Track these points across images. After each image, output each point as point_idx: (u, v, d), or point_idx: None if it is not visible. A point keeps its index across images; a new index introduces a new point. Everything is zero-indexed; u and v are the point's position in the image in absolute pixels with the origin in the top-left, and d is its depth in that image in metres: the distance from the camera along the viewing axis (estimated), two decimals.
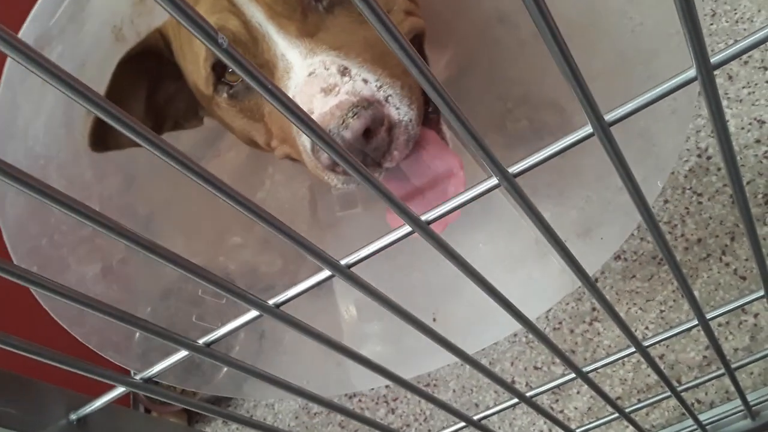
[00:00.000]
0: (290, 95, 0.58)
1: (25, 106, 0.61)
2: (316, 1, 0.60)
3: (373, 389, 1.22)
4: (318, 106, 0.55)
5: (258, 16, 0.59)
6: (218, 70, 0.64)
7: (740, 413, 0.80)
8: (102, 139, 0.67)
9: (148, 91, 0.71)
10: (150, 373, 0.39)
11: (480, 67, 0.86)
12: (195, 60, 0.65)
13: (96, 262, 0.74)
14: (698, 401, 0.93)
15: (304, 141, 0.59)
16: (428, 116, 0.65)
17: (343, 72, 0.56)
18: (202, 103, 0.72)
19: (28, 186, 0.22)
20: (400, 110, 0.57)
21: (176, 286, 0.90)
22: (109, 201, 0.75)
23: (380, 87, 0.56)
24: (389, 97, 0.57)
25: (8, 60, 0.56)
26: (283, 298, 0.37)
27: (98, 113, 0.23)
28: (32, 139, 0.63)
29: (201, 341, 0.38)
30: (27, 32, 0.57)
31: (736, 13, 1.11)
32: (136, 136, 0.24)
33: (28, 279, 0.28)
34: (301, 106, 0.57)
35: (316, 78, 0.56)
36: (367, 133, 0.55)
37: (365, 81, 0.56)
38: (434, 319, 0.91)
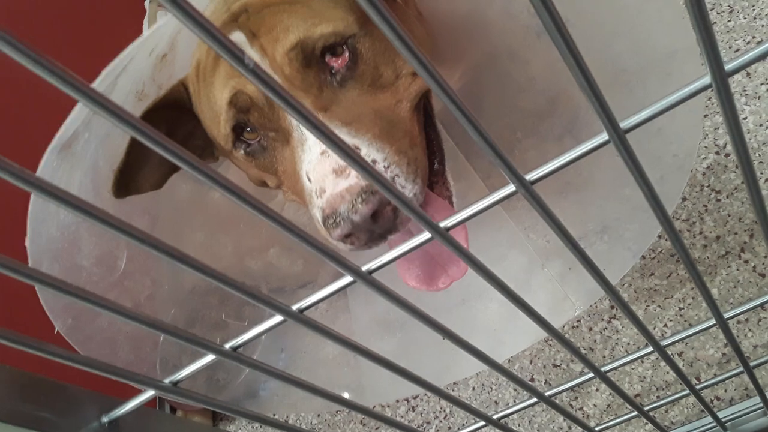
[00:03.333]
0: (304, 170, 0.61)
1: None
2: (330, 76, 0.63)
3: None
4: (329, 186, 0.58)
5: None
6: (237, 130, 0.67)
7: (759, 410, 0.80)
8: (124, 186, 0.71)
9: (167, 133, 0.73)
10: (178, 377, 0.40)
11: (491, 96, 0.87)
12: (215, 118, 0.67)
13: (126, 303, 0.79)
14: (717, 398, 0.93)
15: (316, 214, 0.61)
16: (433, 170, 0.69)
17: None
18: (219, 150, 0.74)
19: (74, 207, 0.24)
20: (406, 188, 0.60)
21: (200, 313, 0.95)
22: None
23: (388, 167, 0.60)
24: (396, 177, 0.60)
25: (42, 159, 0.60)
26: (307, 303, 0.38)
27: (141, 138, 0.24)
28: (63, 213, 0.68)
29: (227, 345, 0.39)
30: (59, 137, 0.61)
31: (754, 10, 1.10)
32: (177, 160, 0.25)
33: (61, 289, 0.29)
34: (313, 184, 0.59)
35: (328, 158, 0.59)
36: (374, 214, 0.58)
37: (374, 162, 0.59)
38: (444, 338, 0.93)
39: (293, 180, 0.66)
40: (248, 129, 0.66)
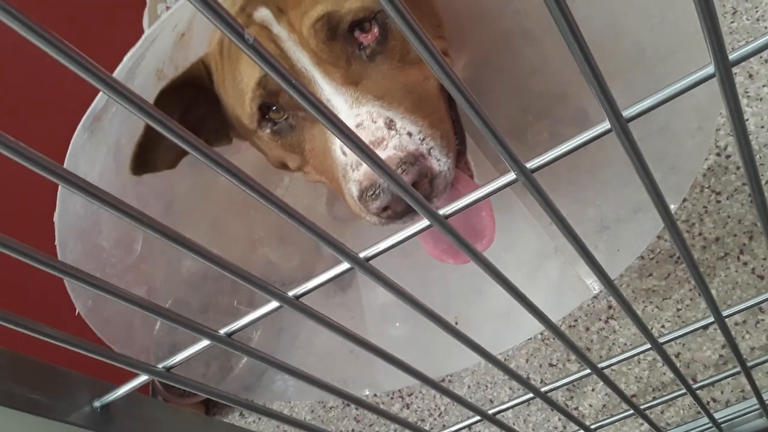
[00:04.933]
0: (337, 144, 0.61)
1: (83, 165, 0.66)
2: (359, 50, 0.62)
3: None
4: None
5: (304, 60, 0.61)
6: (263, 109, 0.66)
7: (755, 412, 0.80)
8: (142, 164, 0.71)
9: (182, 112, 0.73)
10: (172, 362, 0.40)
11: (503, 78, 0.87)
12: (239, 96, 0.67)
13: (142, 286, 0.81)
14: (714, 400, 0.93)
15: (351, 188, 0.61)
16: (455, 150, 0.68)
17: (390, 125, 0.59)
18: (240, 132, 0.74)
19: (94, 197, 0.23)
20: (441, 161, 0.60)
21: (213, 299, 0.96)
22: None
23: (423, 140, 0.59)
24: (431, 150, 0.60)
25: (75, 133, 0.61)
26: (303, 290, 0.38)
27: (152, 123, 0.24)
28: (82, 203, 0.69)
29: (222, 331, 0.38)
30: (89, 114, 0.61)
31: (757, 11, 1.10)
32: (182, 142, 0.25)
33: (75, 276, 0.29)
34: (349, 157, 0.60)
35: (364, 130, 0.59)
36: (413, 185, 0.58)
37: (410, 134, 0.59)
38: (456, 322, 0.95)
39: (322, 157, 0.65)
40: (275, 108, 0.66)
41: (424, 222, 0.36)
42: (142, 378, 0.40)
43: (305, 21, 0.61)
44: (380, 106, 0.60)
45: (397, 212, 0.60)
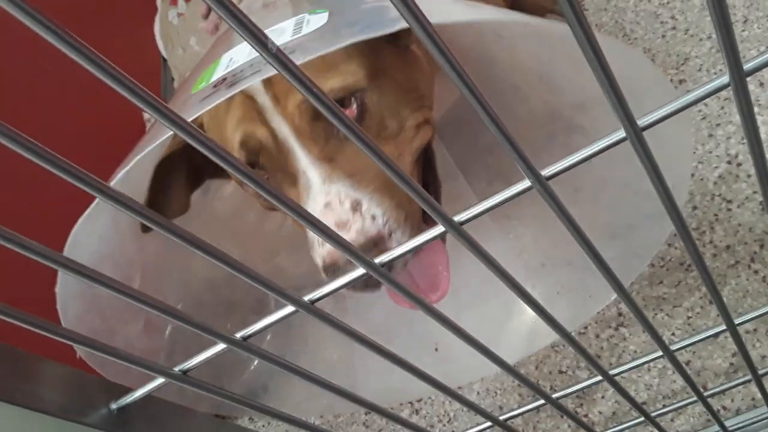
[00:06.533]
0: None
1: (86, 239, 0.69)
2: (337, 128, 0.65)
3: None
4: None
5: (284, 131, 0.65)
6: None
7: (766, 420, 0.80)
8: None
9: (189, 154, 0.78)
10: (188, 365, 0.40)
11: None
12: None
13: (139, 321, 0.86)
14: (724, 408, 0.93)
15: (317, 258, 0.65)
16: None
17: (355, 207, 0.63)
18: None
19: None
20: (401, 243, 0.65)
21: (208, 322, 1.00)
22: (151, 264, 0.88)
23: (386, 222, 0.63)
24: (393, 233, 0.64)
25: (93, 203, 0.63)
26: (319, 295, 0.38)
27: (191, 141, 0.24)
28: (88, 254, 0.72)
29: (238, 335, 0.39)
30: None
31: None
32: (224, 162, 0.25)
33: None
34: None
35: (332, 211, 0.63)
36: None
37: (373, 218, 0.63)
38: (436, 349, 1.01)
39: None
40: (257, 168, 0.69)
41: (440, 228, 0.37)
42: (159, 380, 0.40)
43: (291, 99, 0.63)
44: (350, 186, 0.63)
45: (357, 287, 0.64)
